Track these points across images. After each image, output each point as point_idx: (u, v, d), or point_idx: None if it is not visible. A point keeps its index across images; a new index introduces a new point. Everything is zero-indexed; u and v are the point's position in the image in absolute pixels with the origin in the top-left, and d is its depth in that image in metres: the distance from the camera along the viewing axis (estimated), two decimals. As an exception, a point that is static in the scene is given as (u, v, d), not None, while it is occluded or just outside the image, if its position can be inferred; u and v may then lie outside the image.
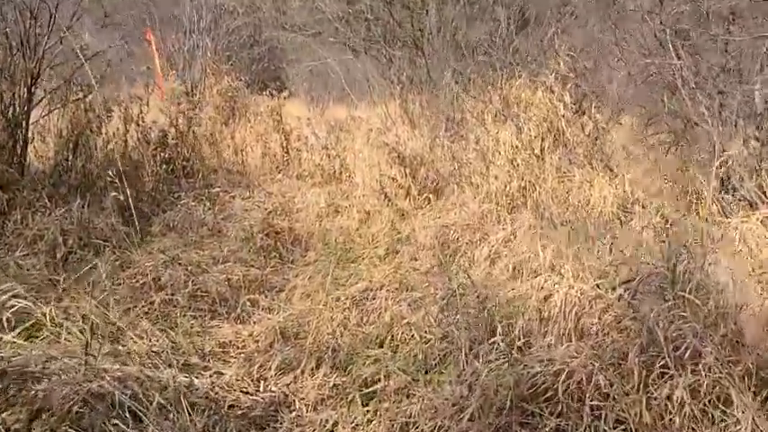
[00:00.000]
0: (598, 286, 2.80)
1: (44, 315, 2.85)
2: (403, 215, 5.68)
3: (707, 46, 5.38)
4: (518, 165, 5.29)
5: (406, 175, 6.01)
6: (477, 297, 2.86)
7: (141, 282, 3.91)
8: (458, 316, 2.95)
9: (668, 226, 3.98)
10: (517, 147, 5.36)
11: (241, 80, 9.54)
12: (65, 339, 2.74)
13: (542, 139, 5.69)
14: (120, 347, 2.93)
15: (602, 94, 6.18)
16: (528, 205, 5.11)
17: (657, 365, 2.37)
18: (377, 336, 3.26)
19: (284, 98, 8.57)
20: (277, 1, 13.33)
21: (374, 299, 3.85)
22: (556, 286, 2.84)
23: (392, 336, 3.21)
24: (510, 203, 5.28)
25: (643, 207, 5.30)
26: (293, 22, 11.75)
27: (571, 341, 2.56)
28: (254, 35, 12.67)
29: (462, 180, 5.72)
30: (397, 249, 4.99)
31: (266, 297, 4.08)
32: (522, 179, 5.18)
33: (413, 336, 3.14)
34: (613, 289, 2.74)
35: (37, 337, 2.83)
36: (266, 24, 12.70)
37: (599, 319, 2.63)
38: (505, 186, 5.32)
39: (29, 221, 4.73)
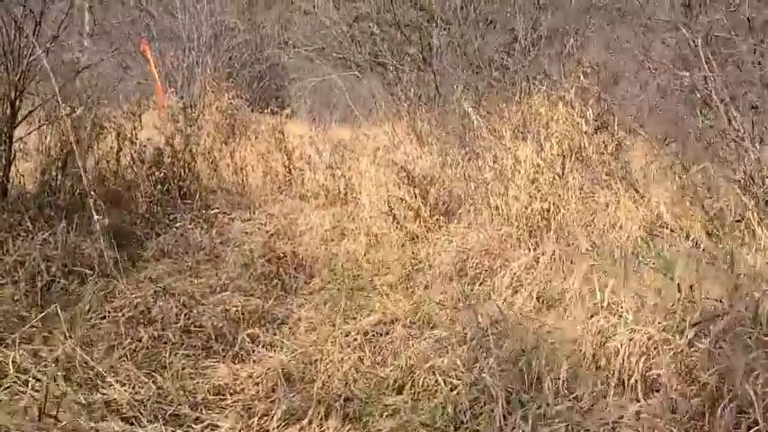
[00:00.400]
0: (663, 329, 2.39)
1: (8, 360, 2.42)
2: (413, 238, 5.32)
3: (739, 58, 5.04)
4: (540, 185, 4.89)
5: (415, 195, 5.65)
6: (519, 341, 2.44)
7: (128, 315, 3.49)
8: (491, 360, 2.53)
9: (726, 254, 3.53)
10: (539, 165, 4.97)
11: (242, 98, 9.25)
12: (31, 389, 2.32)
13: (563, 158, 5.31)
14: (99, 396, 2.52)
15: (624, 109, 5.83)
16: (552, 229, 4.71)
17: (745, 428, 1.95)
18: (395, 380, 2.83)
19: (287, 116, 8.24)
20: (281, 18, 13.06)
21: (388, 334, 3.45)
22: (617, 329, 2.40)
23: (413, 381, 2.78)
24: (531, 227, 4.88)
25: (671, 231, 4.92)
26: (296, 38, 11.44)
27: (637, 397, 2.14)
28: (255, 52, 12.35)
29: (479, 201, 5.33)
30: (410, 276, 4.60)
31: (267, 331, 3.66)
32: (546, 200, 4.78)
33: (437, 381, 2.71)
34: (681, 332, 2.32)
35: (-4, 389, 2.41)
36: (268, 41, 12.39)
37: (675, 370, 2.20)
38: (526, 208, 4.93)
39: (9, 246, 4.33)
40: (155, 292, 3.76)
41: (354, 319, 3.77)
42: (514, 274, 4.35)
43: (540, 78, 5.98)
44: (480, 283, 4.35)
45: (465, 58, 7.52)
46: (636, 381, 2.21)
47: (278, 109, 8.53)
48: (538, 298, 4.21)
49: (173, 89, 9.37)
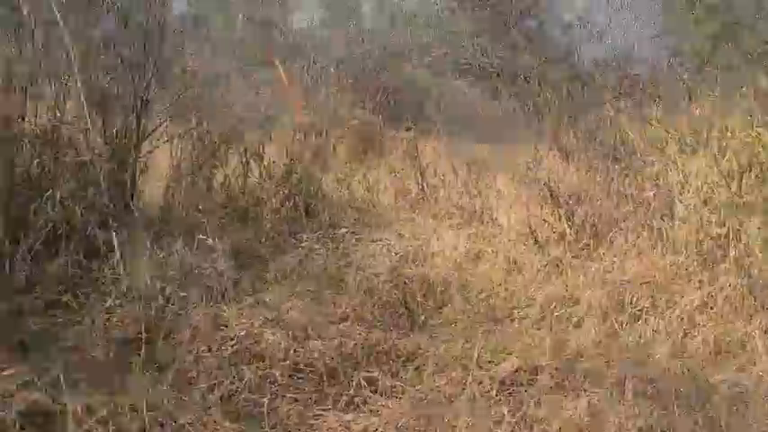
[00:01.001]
0: None
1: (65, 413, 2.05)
2: (557, 265, 4.68)
3: None
4: (717, 206, 4.12)
5: (559, 216, 5.04)
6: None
7: (234, 349, 3.13)
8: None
9: None
10: (713, 182, 4.19)
11: (374, 114, 9.01)
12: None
13: (742, 174, 4.49)
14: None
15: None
16: (732, 259, 3.92)
17: None
18: (543, 453, 2.24)
19: (420, 131, 7.89)
20: (410, 30, 12.73)
21: (531, 385, 2.86)
22: None
23: (566, 457, 2.19)
24: (704, 255, 4.11)
25: None
26: (428, 50, 11.08)
27: None
28: (386, 67, 12.08)
29: (636, 224, 4.61)
30: (556, 311, 3.98)
31: (389, 371, 3.17)
32: (724, 225, 4.00)
33: (598, 461, 2.10)
34: None
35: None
36: (398, 55, 12.10)
37: None
38: (697, 232, 4.17)
39: (127, 266, 4.15)
40: (264, 321, 3.38)
41: (489, 362, 3.20)
42: (684, 312, 3.66)
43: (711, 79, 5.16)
44: (642, 323, 3.66)
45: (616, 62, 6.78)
46: None
47: (411, 125, 8.19)
48: (715, 344, 3.50)
49: (304, 104, 9.27)
